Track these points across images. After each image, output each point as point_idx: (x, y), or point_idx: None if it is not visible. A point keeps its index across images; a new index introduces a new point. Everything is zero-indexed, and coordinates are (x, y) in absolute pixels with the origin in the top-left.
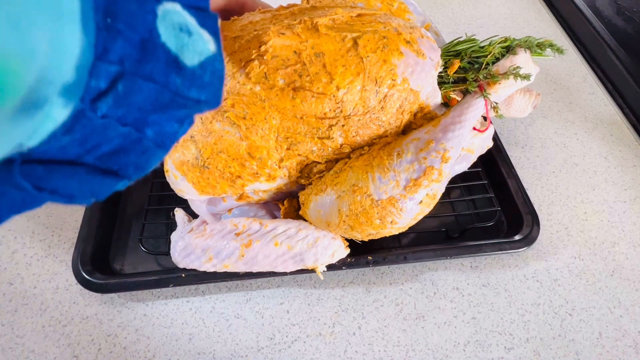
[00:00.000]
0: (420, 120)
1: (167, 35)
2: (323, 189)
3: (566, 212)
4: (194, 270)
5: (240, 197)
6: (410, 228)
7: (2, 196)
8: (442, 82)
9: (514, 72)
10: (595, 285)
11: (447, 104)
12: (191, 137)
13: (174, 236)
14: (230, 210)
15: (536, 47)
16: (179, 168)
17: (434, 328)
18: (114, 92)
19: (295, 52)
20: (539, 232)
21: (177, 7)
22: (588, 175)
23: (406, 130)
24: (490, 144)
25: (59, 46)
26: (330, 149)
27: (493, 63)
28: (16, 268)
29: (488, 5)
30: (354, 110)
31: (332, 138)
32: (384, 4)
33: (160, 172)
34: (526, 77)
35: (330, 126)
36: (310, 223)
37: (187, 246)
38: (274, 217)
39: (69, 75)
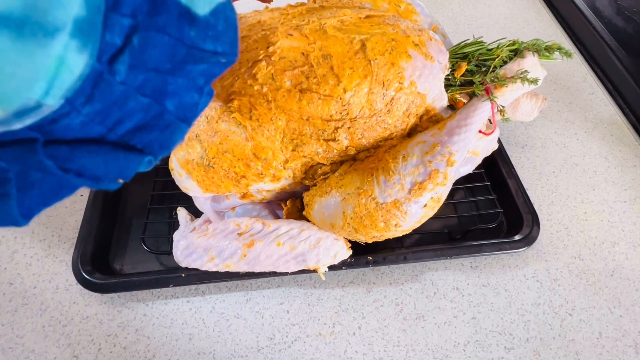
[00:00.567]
0: (426, 123)
1: None
2: (328, 190)
3: (566, 212)
4: (194, 270)
5: (243, 196)
6: (413, 230)
7: (33, 186)
8: (448, 85)
9: (522, 76)
10: (595, 285)
11: (453, 106)
12: (196, 135)
13: (176, 235)
14: (233, 208)
15: (544, 50)
16: (184, 166)
17: (434, 328)
18: (130, 47)
19: (302, 53)
20: (539, 232)
21: None
22: (588, 175)
23: (412, 132)
24: (495, 146)
25: None
26: (335, 150)
27: (500, 66)
28: (16, 268)
29: (488, 5)
30: (360, 112)
31: (338, 140)
32: (391, 5)
33: (161, 172)
34: (534, 81)
35: (336, 128)
36: (314, 224)
37: (189, 245)
38: (277, 216)
39: (79, 7)
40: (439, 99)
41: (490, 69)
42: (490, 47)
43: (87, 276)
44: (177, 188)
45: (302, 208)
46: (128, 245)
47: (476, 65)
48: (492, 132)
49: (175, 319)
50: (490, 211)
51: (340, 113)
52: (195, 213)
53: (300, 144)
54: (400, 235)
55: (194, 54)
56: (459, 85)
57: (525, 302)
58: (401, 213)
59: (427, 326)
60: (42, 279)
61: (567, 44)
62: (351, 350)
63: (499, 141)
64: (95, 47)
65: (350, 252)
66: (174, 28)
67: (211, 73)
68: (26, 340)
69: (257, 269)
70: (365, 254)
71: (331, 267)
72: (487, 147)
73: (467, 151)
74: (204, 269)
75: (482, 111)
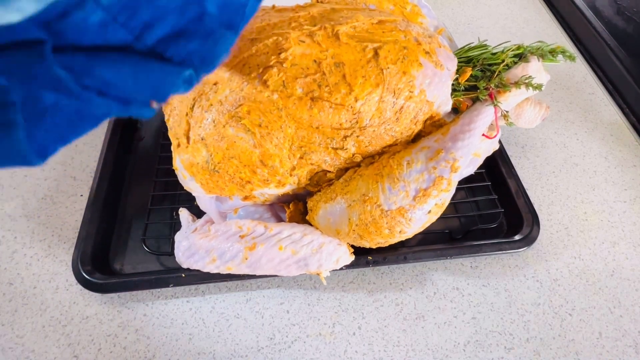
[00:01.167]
0: (429, 128)
1: None
2: (333, 197)
3: (566, 212)
4: (194, 270)
5: (246, 198)
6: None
7: (45, 115)
8: (453, 90)
9: (527, 81)
10: (595, 285)
11: (456, 109)
12: (202, 139)
13: (178, 236)
14: (236, 210)
15: (548, 53)
16: (188, 169)
17: (434, 328)
18: None
19: (315, 61)
20: (539, 232)
21: None
22: (588, 175)
23: (415, 137)
24: (497, 146)
25: None
26: (342, 158)
27: (504, 71)
28: (16, 268)
29: (488, 5)
30: (370, 121)
31: (346, 149)
32: (397, 7)
33: (161, 172)
34: (538, 87)
35: (345, 137)
36: (318, 229)
37: (191, 246)
38: (280, 219)
39: None
40: (444, 105)
41: (495, 75)
42: (494, 51)
43: (87, 276)
44: (178, 189)
45: (305, 211)
46: (128, 245)
47: (480, 70)
48: (495, 135)
49: (175, 319)
50: (491, 211)
51: (350, 122)
52: (197, 214)
53: (308, 152)
54: (404, 239)
55: None
56: (463, 90)
57: (525, 302)
58: (406, 220)
59: (427, 326)
60: (42, 279)
61: (567, 44)
62: (351, 350)
63: (500, 141)
64: None
65: (352, 257)
66: None
67: None
68: (26, 340)
69: (258, 272)
70: (365, 254)
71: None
72: (489, 147)
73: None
74: (205, 270)
75: (485, 116)
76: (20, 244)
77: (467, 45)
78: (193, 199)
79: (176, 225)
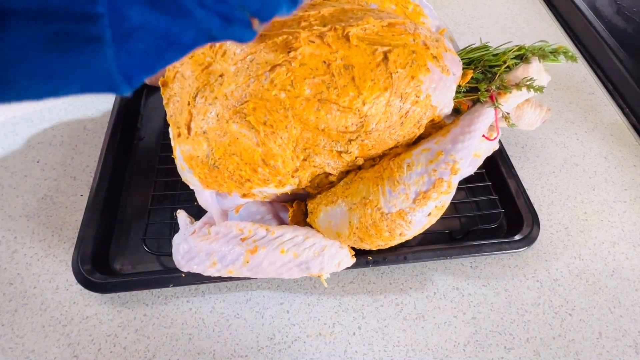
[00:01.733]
0: (429, 129)
1: None
2: (334, 200)
3: (566, 212)
4: None
5: (244, 195)
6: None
7: (131, 36)
8: None
9: (527, 83)
10: (595, 285)
11: (456, 110)
12: (204, 132)
13: (176, 238)
14: (237, 209)
15: (550, 54)
16: (187, 161)
17: (434, 328)
18: None
19: (324, 62)
20: (539, 232)
21: None
22: (588, 175)
23: (416, 139)
24: (497, 146)
25: None
26: (345, 162)
27: (505, 72)
28: (16, 268)
29: (488, 5)
30: (376, 125)
31: (350, 152)
32: (399, 6)
33: (161, 172)
34: (539, 89)
35: (350, 140)
36: (319, 232)
37: (190, 250)
38: (281, 220)
39: None
40: (445, 107)
41: (497, 77)
42: (495, 52)
43: (87, 276)
44: (178, 189)
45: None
46: (128, 245)
47: (481, 72)
48: (496, 137)
49: (175, 319)
50: (492, 211)
51: (356, 125)
52: (195, 215)
53: (312, 154)
54: (404, 241)
55: None
56: (464, 92)
57: (525, 302)
58: (406, 222)
59: (427, 326)
60: (42, 279)
61: (567, 44)
62: (351, 350)
63: (500, 142)
64: None
65: (354, 260)
66: None
67: None
68: (26, 340)
69: (259, 276)
70: (365, 254)
71: None
72: (489, 148)
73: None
74: (206, 274)
75: (485, 117)
76: (20, 244)
77: (468, 46)
78: (193, 199)
79: (176, 226)
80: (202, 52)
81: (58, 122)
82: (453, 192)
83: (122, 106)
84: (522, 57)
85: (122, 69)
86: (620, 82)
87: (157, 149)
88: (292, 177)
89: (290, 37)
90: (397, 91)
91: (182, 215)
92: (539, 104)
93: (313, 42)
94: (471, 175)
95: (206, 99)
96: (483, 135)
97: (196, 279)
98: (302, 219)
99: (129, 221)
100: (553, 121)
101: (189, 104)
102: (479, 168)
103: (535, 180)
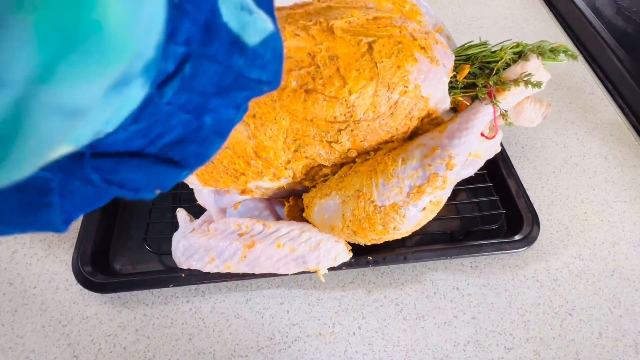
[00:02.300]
0: (427, 125)
1: (228, 15)
2: (328, 192)
3: (566, 212)
4: (194, 270)
5: (242, 192)
6: (413, 232)
7: (74, 193)
8: (451, 87)
9: (526, 79)
10: (595, 285)
11: (455, 108)
12: None
13: (176, 236)
14: (235, 206)
15: (549, 52)
16: None
17: (434, 328)
18: (181, 75)
19: (309, 54)
20: (539, 232)
21: None
22: (588, 175)
23: (412, 135)
24: (498, 149)
25: (151, 19)
26: (337, 152)
27: (504, 69)
28: (16, 268)
29: (488, 5)
30: (364, 115)
31: (340, 142)
32: (396, 5)
33: None
34: (537, 84)
35: (339, 130)
36: (314, 226)
37: (190, 246)
38: (278, 215)
39: (152, 51)
40: (441, 102)
41: (494, 72)
42: (493, 49)
43: (87, 276)
44: (178, 188)
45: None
46: (128, 245)
47: (479, 68)
48: (495, 136)
49: (175, 319)
50: (493, 212)
51: (345, 115)
52: (195, 214)
53: (303, 144)
54: (400, 237)
55: (240, 82)
56: (461, 88)
57: (525, 302)
58: (399, 216)
59: (427, 326)
60: (42, 279)
61: (567, 44)
62: (351, 350)
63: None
64: (153, 77)
65: (350, 254)
66: (223, 56)
67: (251, 97)
68: (26, 340)
69: (257, 271)
70: (365, 254)
71: (331, 268)
72: (490, 150)
73: (468, 154)
74: (205, 270)
75: (483, 114)
76: (20, 244)
77: (466, 43)
78: (193, 198)
79: (176, 225)
80: None
81: None
82: (449, 188)
83: None
84: (521, 54)
85: (63, 215)
86: (620, 82)
87: None
88: (286, 169)
89: None
90: (383, 81)
91: (181, 214)
92: (539, 99)
93: (298, 34)
94: (472, 177)
95: None
96: (482, 134)
97: (196, 279)
98: (299, 215)
99: (129, 221)
100: (553, 121)
101: None
102: (480, 169)
103: (535, 180)
